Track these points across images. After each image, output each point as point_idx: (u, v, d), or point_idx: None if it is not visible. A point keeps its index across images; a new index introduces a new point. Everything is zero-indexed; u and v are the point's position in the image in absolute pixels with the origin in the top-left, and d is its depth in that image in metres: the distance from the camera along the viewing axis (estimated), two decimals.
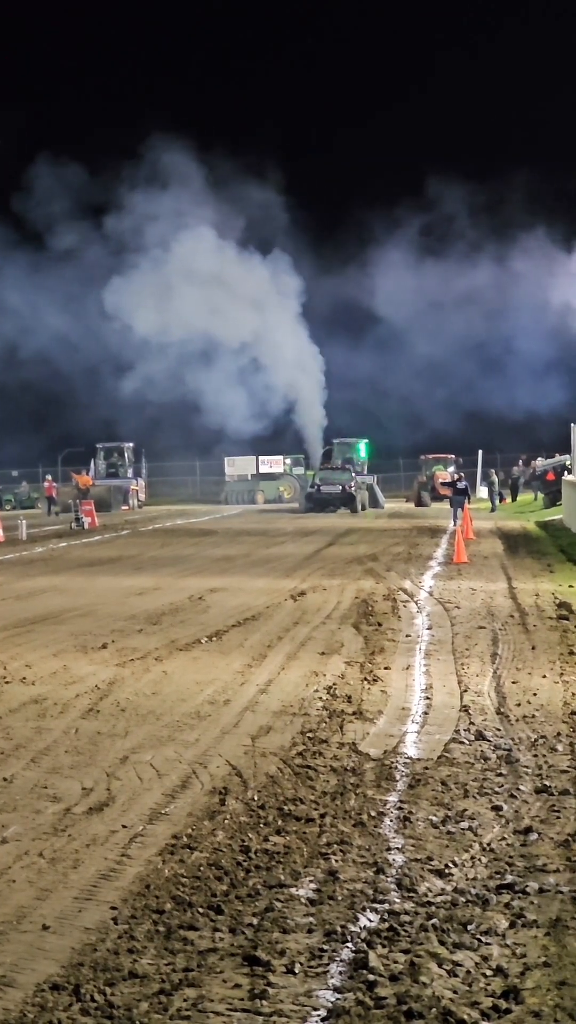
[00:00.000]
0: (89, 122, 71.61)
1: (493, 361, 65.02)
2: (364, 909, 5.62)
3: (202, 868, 6.15)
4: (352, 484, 48.54)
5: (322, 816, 6.98)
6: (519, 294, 63.48)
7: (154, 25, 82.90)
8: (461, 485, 35.76)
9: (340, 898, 5.75)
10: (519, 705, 9.86)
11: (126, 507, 56.81)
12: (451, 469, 55.06)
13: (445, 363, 63.86)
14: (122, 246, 60.58)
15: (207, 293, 60.45)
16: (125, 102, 76.81)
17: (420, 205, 62.91)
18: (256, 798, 7.34)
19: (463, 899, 5.68)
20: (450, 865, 6.15)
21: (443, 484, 50.47)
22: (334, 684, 10.88)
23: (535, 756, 8.23)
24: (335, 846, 6.47)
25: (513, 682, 10.82)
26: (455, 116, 77.66)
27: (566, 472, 39.83)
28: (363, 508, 48.78)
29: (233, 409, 61.25)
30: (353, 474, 50.65)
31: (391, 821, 6.91)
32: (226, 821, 6.90)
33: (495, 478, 49.90)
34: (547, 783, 7.54)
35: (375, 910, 5.60)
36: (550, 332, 62.45)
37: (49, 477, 55.30)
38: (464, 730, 9.01)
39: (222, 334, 61.14)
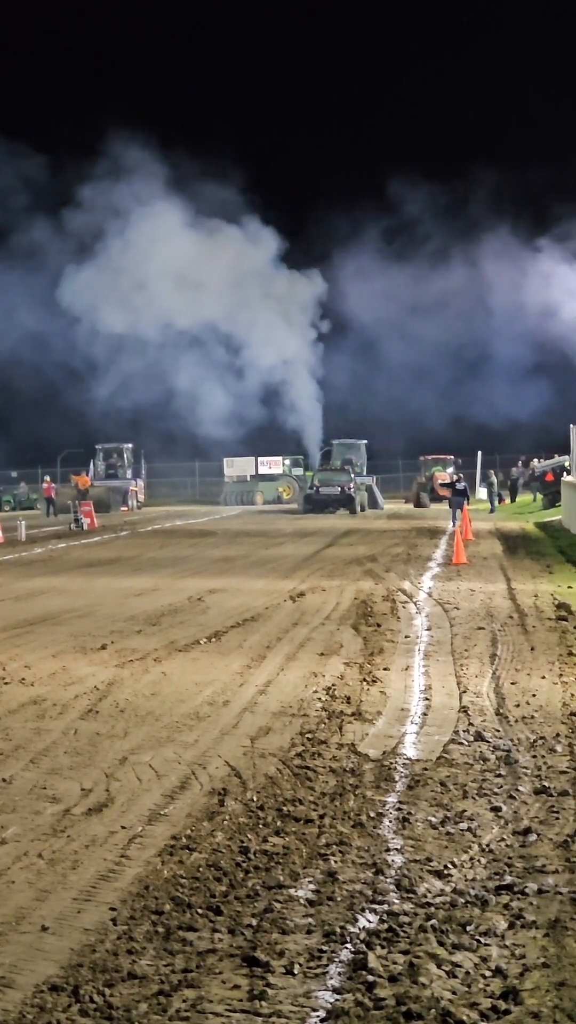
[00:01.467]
0: (48, 118, 71.03)
1: (489, 362, 65.03)
2: (363, 910, 5.62)
3: (201, 869, 6.15)
4: (351, 485, 48.52)
5: (321, 817, 6.98)
6: (499, 296, 63.34)
7: (115, 22, 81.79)
8: (460, 486, 35.76)
9: (339, 899, 5.75)
10: (518, 706, 9.86)
11: (125, 508, 56.79)
12: (450, 470, 55.07)
13: (434, 366, 63.86)
14: (81, 246, 59.67)
15: (176, 276, 59.07)
16: (84, 99, 75.94)
17: (393, 208, 62.44)
18: (255, 799, 7.34)
19: (462, 900, 5.69)
20: (449, 866, 6.15)
21: (442, 485, 50.49)
22: (333, 685, 10.88)
23: (534, 757, 8.23)
24: (334, 847, 6.47)
25: (512, 683, 10.83)
26: (419, 117, 77.47)
27: (565, 473, 39.83)
28: (362, 509, 48.75)
29: (216, 405, 60.67)
30: (352, 475, 50.65)
31: (390, 822, 6.91)
32: (225, 822, 6.90)
33: (494, 479, 49.86)
34: (546, 784, 7.54)
35: (374, 911, 5.61)
36: (540, 333, 62.25)
37: (48, 478, 55.21)
38: (463, 731, 9.01)
39: (196, 321, 59.93)
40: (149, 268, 59.50)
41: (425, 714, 9.68)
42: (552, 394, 59.99)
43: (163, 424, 63.10)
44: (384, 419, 64.32)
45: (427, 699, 10.23)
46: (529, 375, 62.11)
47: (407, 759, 8.28)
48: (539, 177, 65.05)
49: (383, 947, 5.20)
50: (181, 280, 59.67)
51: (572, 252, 61.13)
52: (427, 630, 14.21)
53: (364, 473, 57.44)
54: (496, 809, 7.08)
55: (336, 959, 5.12)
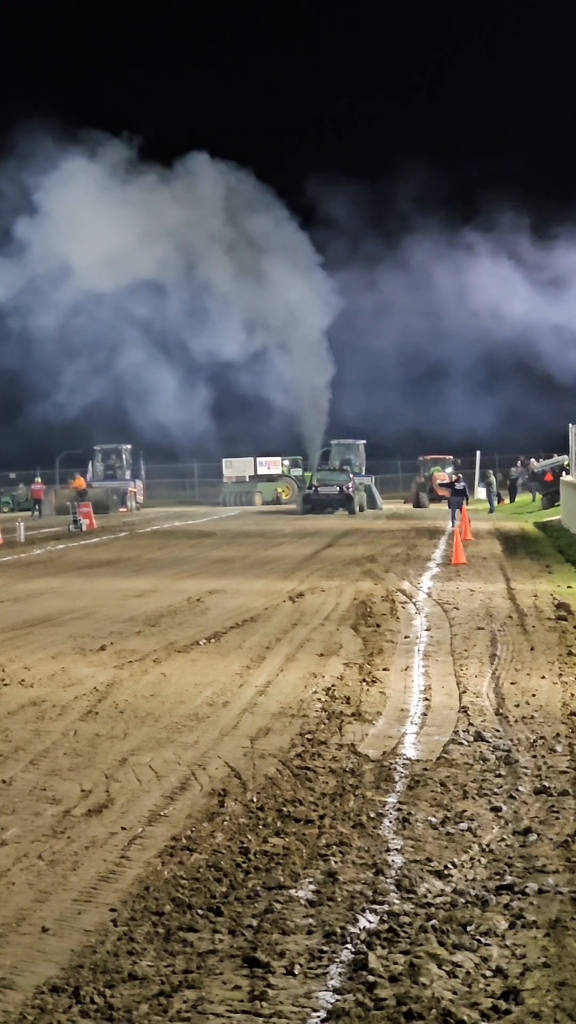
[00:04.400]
0: None
1: (488, 362, 64.80)
2: (363, 910, 5.62)
3: (201, 870, 6.15)
4: (350, 485, 48.39)
5: (321, 817, 6.98)
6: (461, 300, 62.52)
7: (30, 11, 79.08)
8: (459, 486, 35.77)
9: (339, 899, 5.75)
10: (518, 706, 9.86)
11: (124, 509, 56.75)
12: (449, 470, 55.03)
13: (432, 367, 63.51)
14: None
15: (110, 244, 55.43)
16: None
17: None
18: (255, 800, 7.34)
19: (462, 900, 5.69)
20: (449, 866, 6.15)
21: (441, 485, 50.48)
22: (333, 685, 10.88)
23: (534, 757, 8.23)
24: (334, 847, 6.47)
25: (512, 683, 10.83)
26: (343, 116, 75.83)
27: (564, 473, 39.83)
28: (361, 509, 48.63)
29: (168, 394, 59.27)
30: (351, 475, 50.55)
31: (390, 822, 6.91)
32: (225, 823, 6.90)
33: (493, 479, 49.83)
34: (546, 784, 7.54)
35: (374, 911, 5.61)
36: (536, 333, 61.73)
37: (38, 479, 55.08)
38: (463, 731, 9.01)
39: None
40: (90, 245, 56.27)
41: (425, 714, 9.68)
42: (542, 395, 59.83)
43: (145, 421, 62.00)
44: (381, 420, 64.00)
45: (427, 699, 10.23)
46: (525, 375, 61.98)
47: (407, 759, 8.28)
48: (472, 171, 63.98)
49: (383, 947, 5.20)
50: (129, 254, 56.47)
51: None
52: (426, 630, 14.21)
53: (363, 473, 57.33)
54: (496, 809, 7.08)
55: (337, 959, 5.12)
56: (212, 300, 60.09)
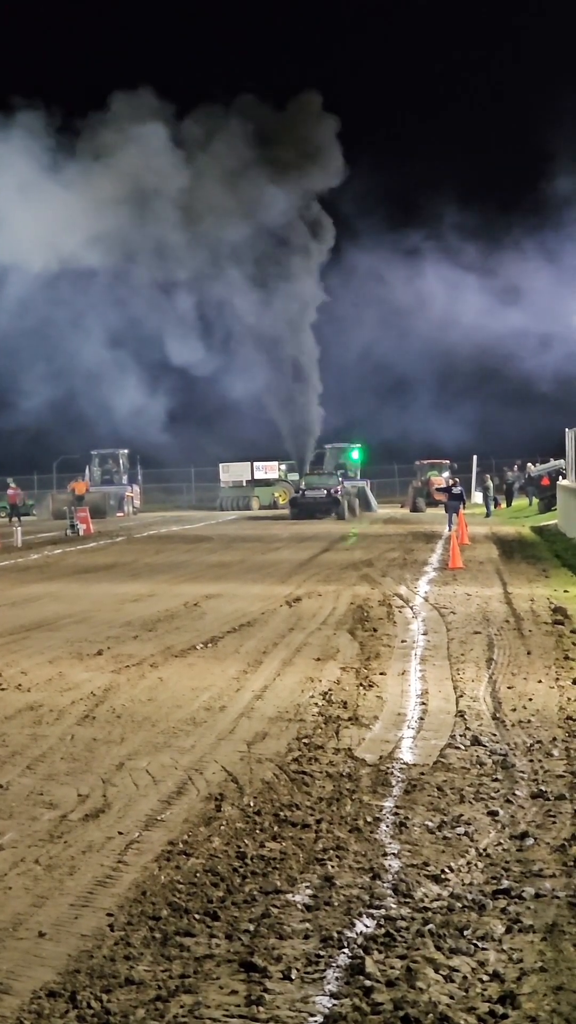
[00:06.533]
0: None
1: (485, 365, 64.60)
2: (360, 915, 5.62)
3: (198, 874, 6.15)
4: (338, 488, 47.72)
5: (318, 822, 6.98)
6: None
7: None
8: (456, 490, 35.75)
9: (336, 904, 5.75)
10: (515, 710, 9.87)
11: (121, 513, 56.67)
12: (446, 474, 54.97)
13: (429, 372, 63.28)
14: None
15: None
16: None
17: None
18: (252, 804, 7.34)
19: (459, 904, 5.69)
20: (446, 870, 6.16)
21: (438, 489, 50.36)
22: (330, 690, 10.88)
23: (531, 761, 8.24)
24: (331, 852, 6.47)
25: (509, 687, 10.83)
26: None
27: (560, 477, 39.86)
28: (353, 514, 47.99)
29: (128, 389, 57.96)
30: (340, 478, 50.13)
31: (387, 827, 6.91)
32: (222, 827, 6.90)
33: (490, 483, 49.82)
34: (543, 788, 7.54)
35: (371, 916, 5.61)
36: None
37: (12, 485, 54.94)
38: (460, 735, 9.02)
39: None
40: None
41: (422, 718, 9.68)
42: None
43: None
44: (378, 422, 63.77)
45: (424, 703, 10.23)
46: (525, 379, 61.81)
47: (404, 764, 8.28)
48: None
49: (381, 952, 5.21)
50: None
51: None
52: (423, 635, 14.22)
53: (358, 477, 57.12)
54: (493, 813, 7.09)
55: (334, 964, 5.12)
56: (180, 298, 58.66)
